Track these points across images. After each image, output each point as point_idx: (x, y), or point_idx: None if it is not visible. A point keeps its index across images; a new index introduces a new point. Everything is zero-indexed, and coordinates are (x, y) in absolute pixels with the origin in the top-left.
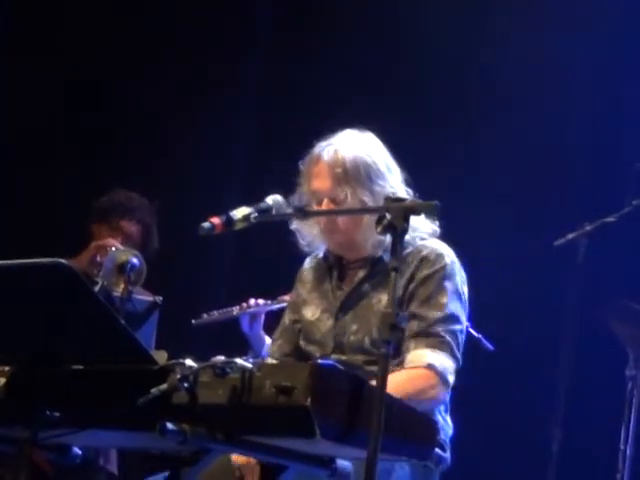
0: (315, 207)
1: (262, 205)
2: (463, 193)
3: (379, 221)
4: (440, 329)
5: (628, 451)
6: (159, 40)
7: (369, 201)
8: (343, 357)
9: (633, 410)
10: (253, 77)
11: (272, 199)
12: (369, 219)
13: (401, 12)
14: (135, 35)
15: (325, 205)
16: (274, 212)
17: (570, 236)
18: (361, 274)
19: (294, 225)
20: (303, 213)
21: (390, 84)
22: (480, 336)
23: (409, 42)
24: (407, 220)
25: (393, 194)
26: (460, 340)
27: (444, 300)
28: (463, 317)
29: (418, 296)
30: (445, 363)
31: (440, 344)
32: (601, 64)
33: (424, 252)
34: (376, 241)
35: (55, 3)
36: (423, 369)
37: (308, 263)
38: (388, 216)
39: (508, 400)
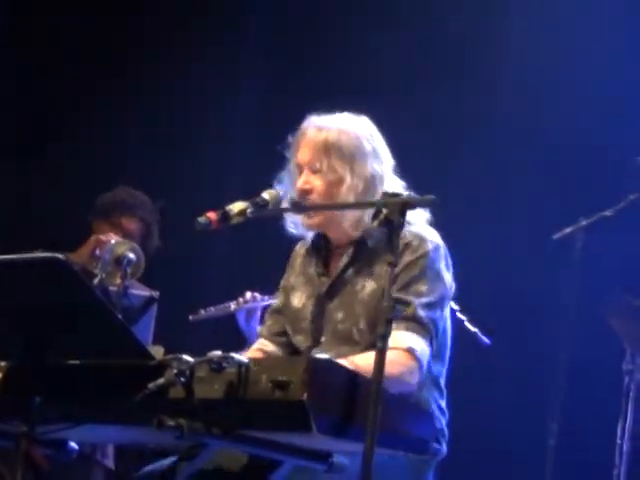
0: (297, 178)
1: (258, 200)
2: (460, 188)
3: (376, 215)
4: (421, 314)
5: (625, 446)
6: (158, 38)
7: (347, 176)
8: (328, 347)
9: (630, 404)
10: (253, 74)
11: (269, 193)
12: (345, 195)
13: (403, 6)
14: (135, 35)
15: (305, 175)
16: (270, 206)
17: (567, 230)
18: (345, 259)
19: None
20: (300, 208)
21: (391, 81)
22: (476, 330)
23: (410, 36)
24: (404, 215)
25: (372, 175)
26: (439, 328)
27: (425, 286)
28: (444, 304)
29: (399, 281)
30: (424, 349)
31: (420, 329)
32: (600, 59)
33: (407, 238)
34: (354, 219)
35: (54, 3)
36: (403, 352)
37: (299, 248)
38: (385, 210)
39: (505, 394)
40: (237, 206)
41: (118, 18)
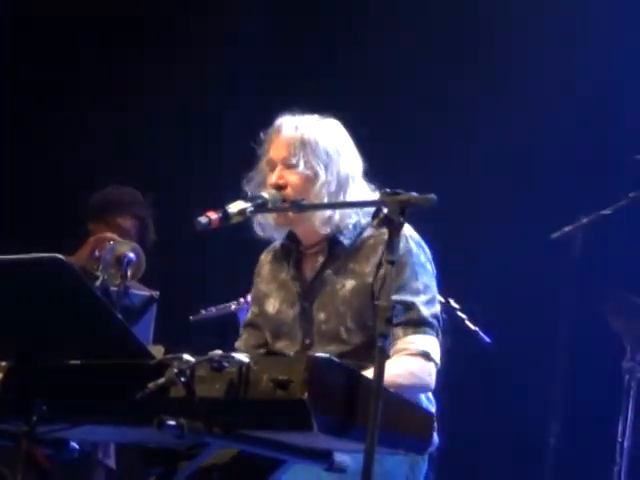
0: (269, 175)
1: (258, 199)
2: (460, 187)
3: (375, 215)
4: (425, 314)
5: (626, 443)
6: (159, 38)
7: (322, 173)
8: (315, 347)
9: (630, 402)
10: (253, 73)
11: (268, 192)
12: (319, 191)
13: (403, 5)
14: (135, 35)
15: (279, 170)
16: (270, 206)
17: (566, 229)
18: (321, 259)
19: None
20: (299, 207)
21: (391, 80)
22: (477, 329)
23: (410, 35)
24: (403, 214)
25: (345, 174)
26: (440, 320)
27: (419, 282)
28: (437, 296)
29: (393, 282)
30: (436, 347)
31: (428, 328)
32: (600, 55)
33: (386, 235)
34: (325, 216)
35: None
36: (419, 357)
37: (265, 256)
38: (385, 210)
39: (506, 393)
40: (237, 205)
41: (118, 18)
